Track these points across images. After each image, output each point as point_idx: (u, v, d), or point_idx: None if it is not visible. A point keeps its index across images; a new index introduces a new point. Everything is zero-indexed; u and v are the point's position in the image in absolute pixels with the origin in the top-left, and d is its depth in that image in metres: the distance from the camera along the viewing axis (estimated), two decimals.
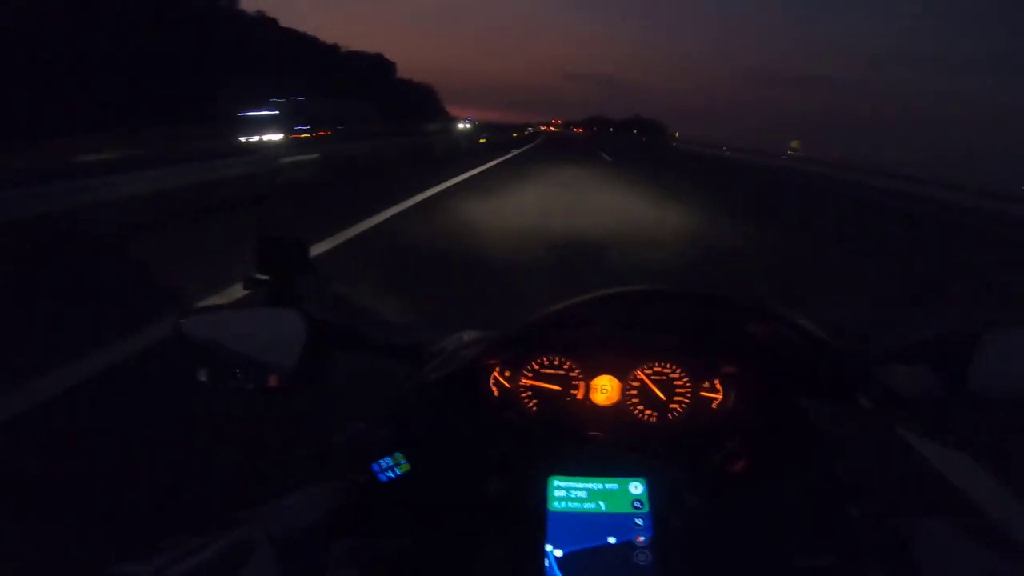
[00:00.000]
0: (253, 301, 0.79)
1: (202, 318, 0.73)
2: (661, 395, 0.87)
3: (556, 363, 0.86)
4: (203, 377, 0.73)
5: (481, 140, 25.36)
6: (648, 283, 0.77)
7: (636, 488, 0.72)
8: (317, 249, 4.74)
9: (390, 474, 0.71)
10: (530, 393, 0.86)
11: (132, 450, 1.82)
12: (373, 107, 36.53)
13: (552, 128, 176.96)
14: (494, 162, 16.07)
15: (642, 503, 0.71)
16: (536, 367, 0.85)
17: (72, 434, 1.95)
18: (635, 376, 0.87)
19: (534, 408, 0.86)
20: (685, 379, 0.88)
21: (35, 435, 1.93)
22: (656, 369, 0.87)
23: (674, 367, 0.87)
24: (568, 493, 0.71)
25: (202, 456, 1.75)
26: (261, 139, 14.54)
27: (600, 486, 0.72)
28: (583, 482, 0.72)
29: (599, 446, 0.83)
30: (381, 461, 0.71)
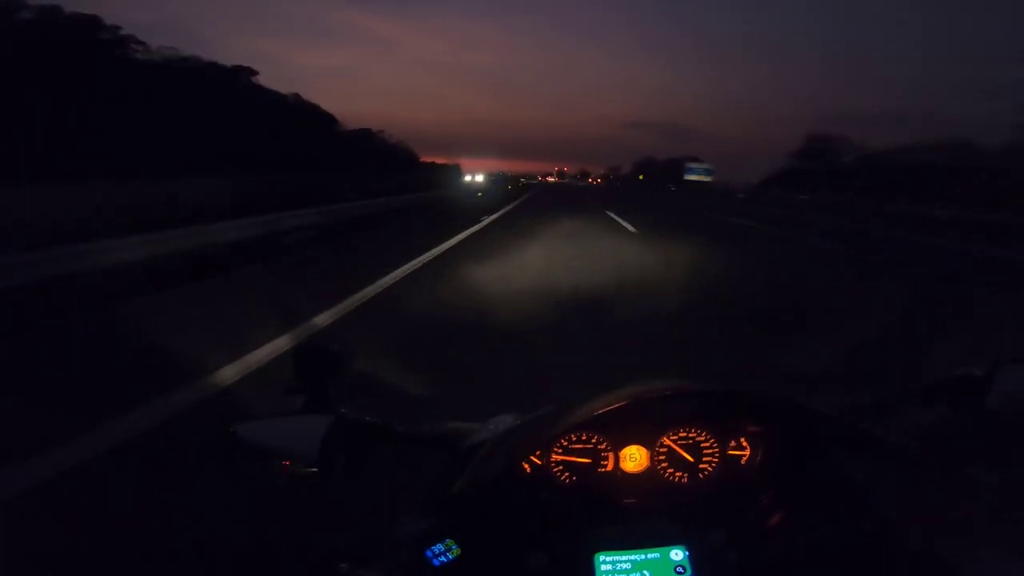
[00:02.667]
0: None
1: (252, 425, 0.79)
2: (689, 457, 0.90)
3: (584, 438, 0.88)
4: (249, 475, 0.79)
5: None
6: (670, 380, 0.83)
7: (677, 555, 0.75)
8: None
9: (443, 559, 0.73)
10: (561, 467, 0.88)
11: (191, 541, 1.86)
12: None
13: (550, 179, 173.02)
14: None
15: (684, 568, 0.74)
16: (565, 443, 0.88)
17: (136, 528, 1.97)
18: (662, 442, 0.90)
19: (567, 482, 0.88)
20: (711, 440, 0.90)
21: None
22: (682, 434, 0.90)
23: (699, 430, 0.90)
24: (614, 567, 0.74)
25: (253, 550, 1.79)
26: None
27: (643, 556, 0.75)
28: (626, 555, 0.75)
29: (636, 517, 0.85)
30: (433, 547, 0.73)
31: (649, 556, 0.75)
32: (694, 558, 0.75)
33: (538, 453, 0.88)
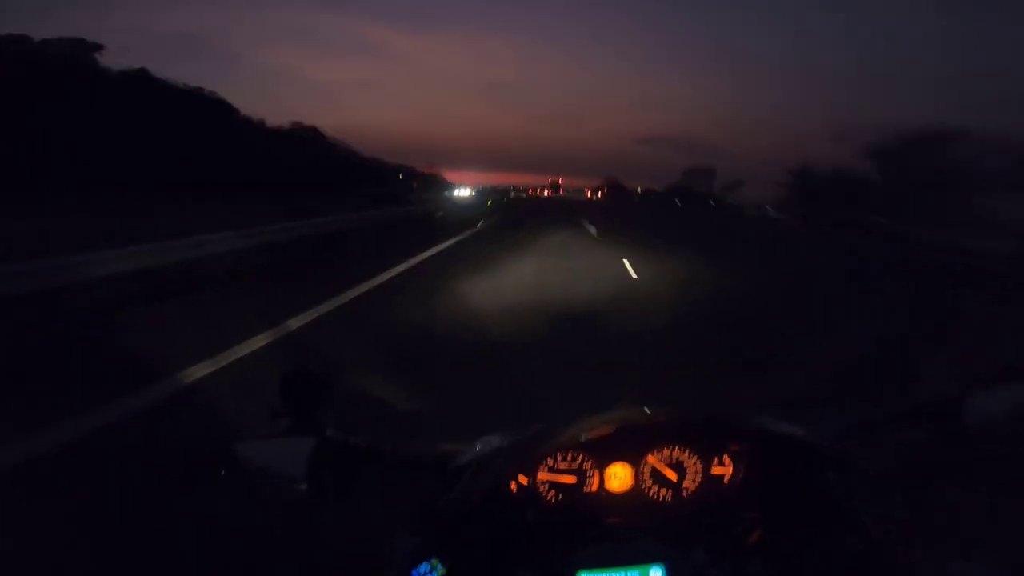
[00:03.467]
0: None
1: (248, 444, 0.81)
2: (673, 476, 0.91)
3: (569, 457, 0.89)
4: (245, 492, 0.82)
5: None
6: (651, 407, 0.88)
7: (656, 574, 0.76)
8: None
9: None
10: (547, 486, 0.89)
11: (180, 560, 1.85)
12: None
13: (547, 192, 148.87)
14: None
15: None
16: (550, 462, 0.89)
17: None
18: (646, 461, 0.91)
19: (553, 501, 0.89)
20: (695, 459, 0.91)
21: None
22: (665, 453, 0.91)
23: (682, 449, 0.91)
24: None
25: (243, 568, 1.78)
26: None
27: (623, 574, 0.76)
28: (607, 573, 0.76)
29: (618, 534, 0.86)
30: (420, 567, 0.74)
31: (629, 574, 0.76)
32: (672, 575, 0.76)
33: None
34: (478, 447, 0.90)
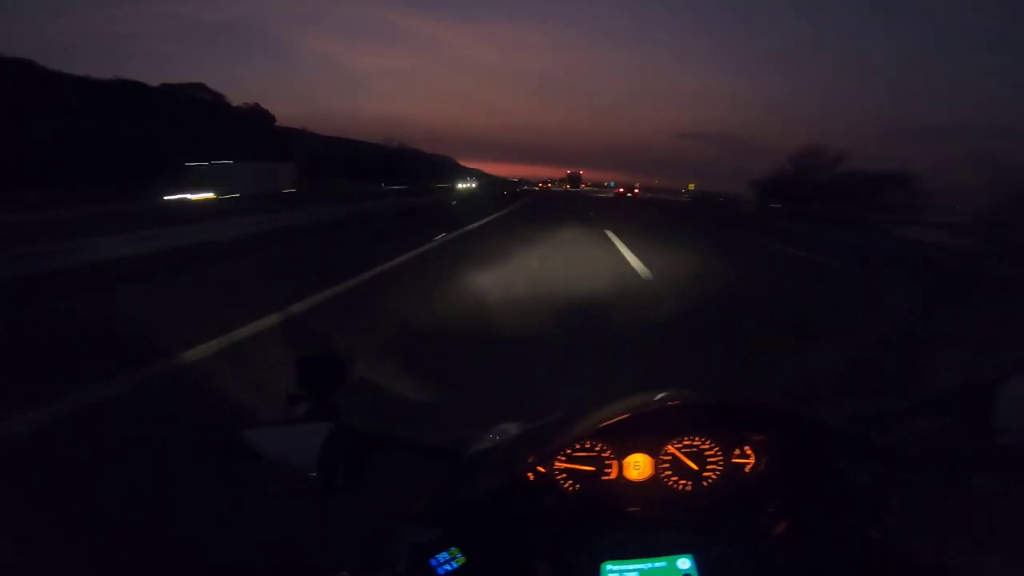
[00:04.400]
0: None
1: (255, 432, 0.78)
2: (694, 465, 0.90)
3: (587, 446, 0.88)
4: (252, 483, 0.80)
5: None
6: (672, 392, 0.84)
7: (684, 564, 0.75)
8: None
9: (447, 567, 0.73)
10: (565, 476, 0.88)
11: (188, 550, 1.87)
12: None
13: (550, 186, 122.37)
14: None
15: None
16: (569, 451, 0.88)
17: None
18: (666, 451, 0.90)
19: (571, 490, 0.88)
20: (715, 448, 0.90)
21: None
22: (686, 442, 0.90)
23: (704, 438, 0.90)
24: (621, 575, 0.74)
25: (256, 561, 1.78)
26: None
27: (650, 565, 0.75)
28: (633, 564, 0.75)
29: (643, 525, 0.84)
30: (438, 556, 0.73)
31: (656, 565, 0.75)
32: (701, 566, 0.75)
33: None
34: (494, 435, 0.90)
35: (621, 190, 74.02)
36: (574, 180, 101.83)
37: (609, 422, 0.77)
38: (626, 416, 0.78)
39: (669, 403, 0.83)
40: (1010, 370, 0.76)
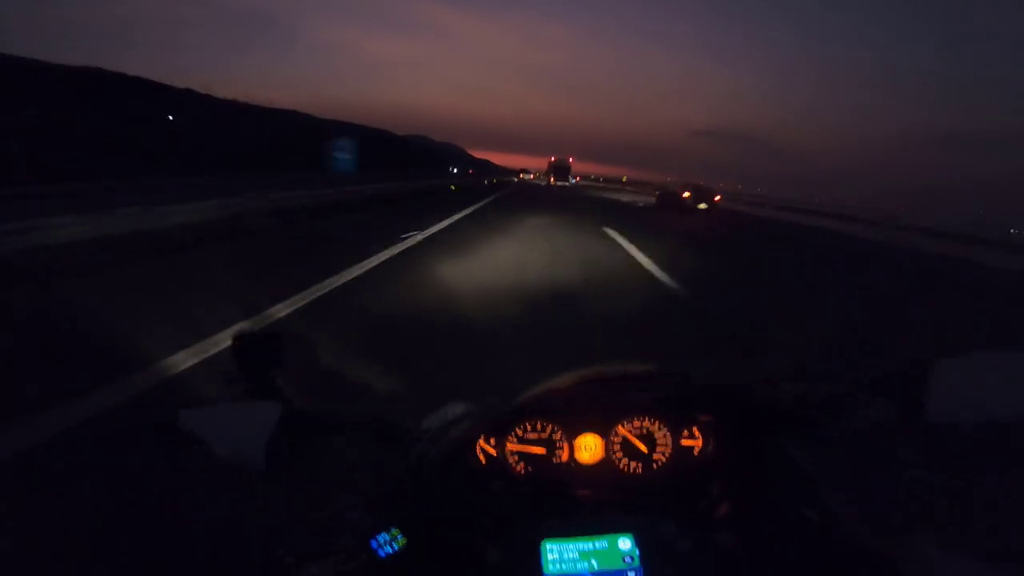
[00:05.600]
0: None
1: (194, 413, 0.76)
2: (644, 448, 0.90)
3: (539, 427, 0.88)
4: (192, 465, 0.77)
5: None
6: (622, 364, 0.84)
7: (625, 544, 0.75)
8: None
9: (388, 549, 0.72)
10: (516, 458, 0.88)
11: (125, 532, 1.81)
12: None
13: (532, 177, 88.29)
14: None
15: (632, 558, 0.74)
16: (520, 433, 0.88)
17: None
18: (617, 432, 0.90)
19: (522, 472, 0.88)
20: (664, 430, 0.91)
21: None
22: (636, 424, 0.90)
23: (653, 420, 0.91)
24: (561, 555, 0.74)
25: (196, 542, 1.74)
26: None
27: (591, 545, 0.75)
28: (574, 543, 0.75)
29: (587, 506, 0.85)
30: (378, 537, 0.72)
31: (597, 545, 0.75)
32: (642, 546, 0.75)
33: (492, 442, 0.88)
34: (442, 416, 0.88)
35: (687, 194, 25.76)
36: (560, 171, 58.71)
37: (558, 390, 0.78)
38: (574, 383, 0.79)
39: (618, 375, 0.85)
40: (941, 353, 0.76)
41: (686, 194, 24.73)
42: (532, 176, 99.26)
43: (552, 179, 56.82)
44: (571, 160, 60.16)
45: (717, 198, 25.94)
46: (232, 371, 0.81)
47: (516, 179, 74.89)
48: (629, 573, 0.73)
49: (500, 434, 0.88)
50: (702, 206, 24.34)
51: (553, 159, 59.14)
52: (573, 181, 64.79)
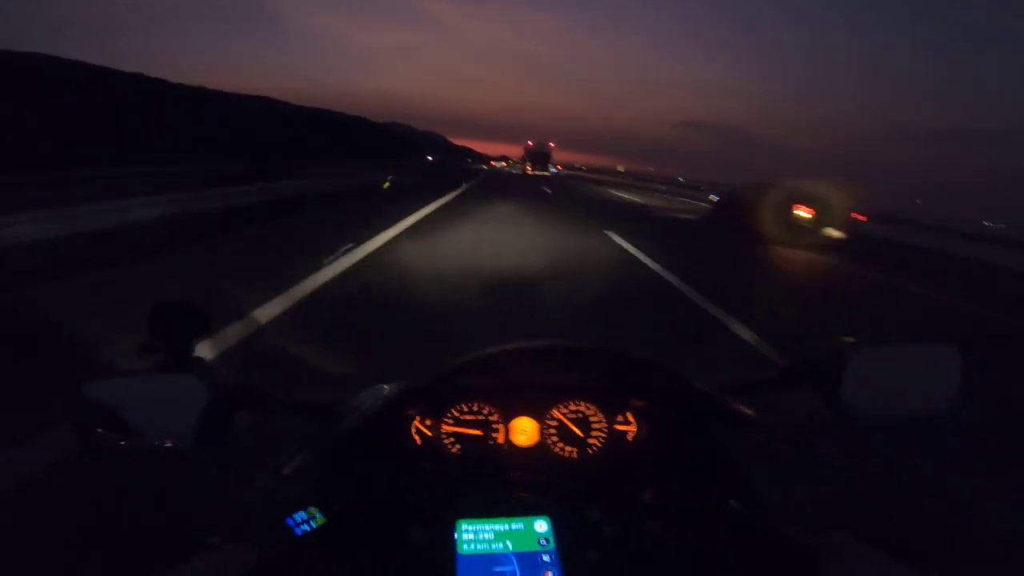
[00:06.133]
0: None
1: (104, 384, 0.72)
2: (579, 432, 0.91)
3: (475, 408, 0.88)
4: (103, 441, 0.73)
5: None
6: (549, 339, 0.82)
7: (541, 526, 0.75)
8: None
9: (305, 527, 0.71)
10: (452, 439, 0.88)
11: (35, 514, 1.76)
12: None
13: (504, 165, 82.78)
14: None
15: (548, 540, 0.74)
16: (456, 413, 0.88)
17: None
18: (552, 416, 0.91)
19: (457, 453, 0.88)
20: (600, 415, 0.91)
21: None
22: (572, 407, 0.91)
23: (588, 404, 0.91)
24: (476, 535, 0.74)
25: (112, 521, 1.69)
26: None
27: (506, 527, 0.75)
28: (490, 523, 0.75)
29: (518, 488, 0.85)
30: (295, 515, 0.71)
31: (513, 526, 0.75)
32: (558, 530, 0.75)
33: (428, 423, 0.88)
34: (371, 394, 0.88)
35: (803, 211, 12.27)
36: (538, 158, 50.48)
37: (483, 356, 0.77)
38: (497, 352, 0.78)
39: (542, 346, 0.84)
40: (858, 343, 0.78)
41: (802, 211, 12.69)
42: (505, 164, 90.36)
43: (529, 167, 49.48)
44: (551, 146, 51.82)
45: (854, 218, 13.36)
46: (148, 341, 0.76)
47: (486, 167, 67.21)
48: (544, 556, 0.72)
49: (436, 415, 0.88)
50: (833, 234, 12.45)
51: (530, 144, 51.89)
52: (554, 170, 56.71)
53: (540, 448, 0.90)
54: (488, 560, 0.71)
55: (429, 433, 0.88)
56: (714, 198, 17.40)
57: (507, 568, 0.70)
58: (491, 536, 0.74)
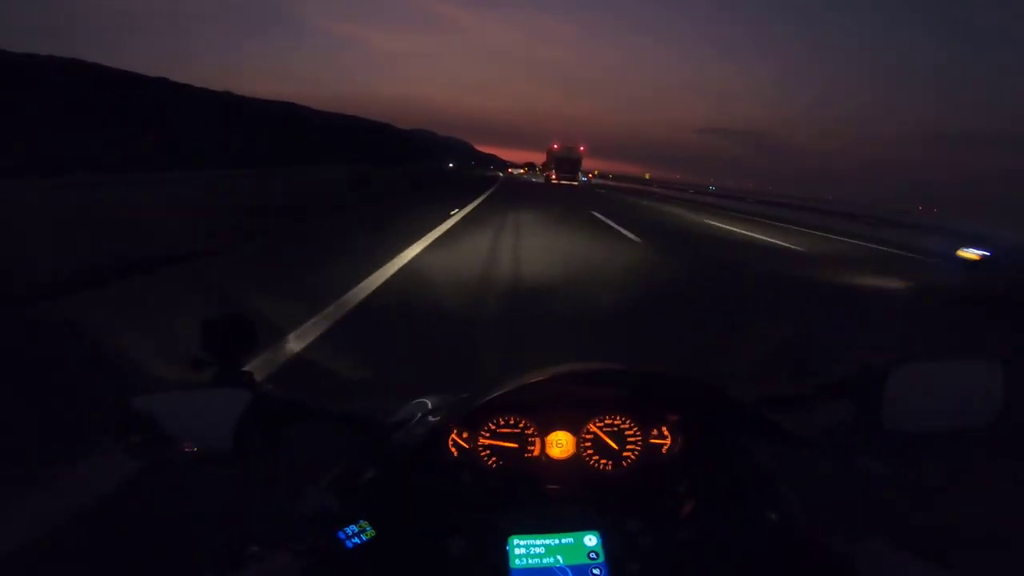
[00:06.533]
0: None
1: (152, 398, 0.74)
2: (614, 445, 0.92)
3: (512, 422, 0.89)
4: (149, 454, 0.75)
5: None
6: (594, 362, 0.82)
7: (591, 540, 0.76)
8: None
9: (356, 540, 0.71)
10: (488, 452, 0.89)
11: (80, 526, 1.76)
12: None
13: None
14: None
15: (597, 554, 0.75)
16: (492, 427, 0.89)
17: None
18: (588, 429, 0.92)
19: (493, 466, 0.89)
20: (635, 428, 0.92)
21: None
22: (607, 421, 0.92)
23: (623, 418, 0.92)
24: (528, 550, 0.75)
25: (158, 532, 1.72)
26: None
27: (557, 541, 0.76)
28: (541, 539, 0.76)
29: (555, 502, 0.86)
30: (346, 528, 0.72)
31: (563, 541, 0.76)
32: (607, 543, 0.76)
33: (465, 436, 0.89)
34: (414, 407, 0.89)
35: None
36: (566, 164, 39.76)
37: (529, 383, 0.77)
38: (546, 379, 0.78)
39: (590, 372, 0.84)
40: (898, 359, 0.78)
41: None
42: (524, 171, 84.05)
43: (554, 175, 39.22)
44: (581, 150, 39.96)
45: None
46: (200, 356, 0.78)
47: (502, 174, 62.70)
48: (594, 570, 0.74)
49: (473, 428, 0.89)
50: None
51: (555, 147, 39.69)
52: (585, 179, 46.43)
53: (575, 461, 0.91)
54: (539, 574, 0.73)
55: (466, 446, 0.89)
56: (973, 254, 10.42)
57: None
58: (542, 551, 0.75)
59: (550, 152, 41.19)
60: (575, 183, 38.43)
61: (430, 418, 0.83)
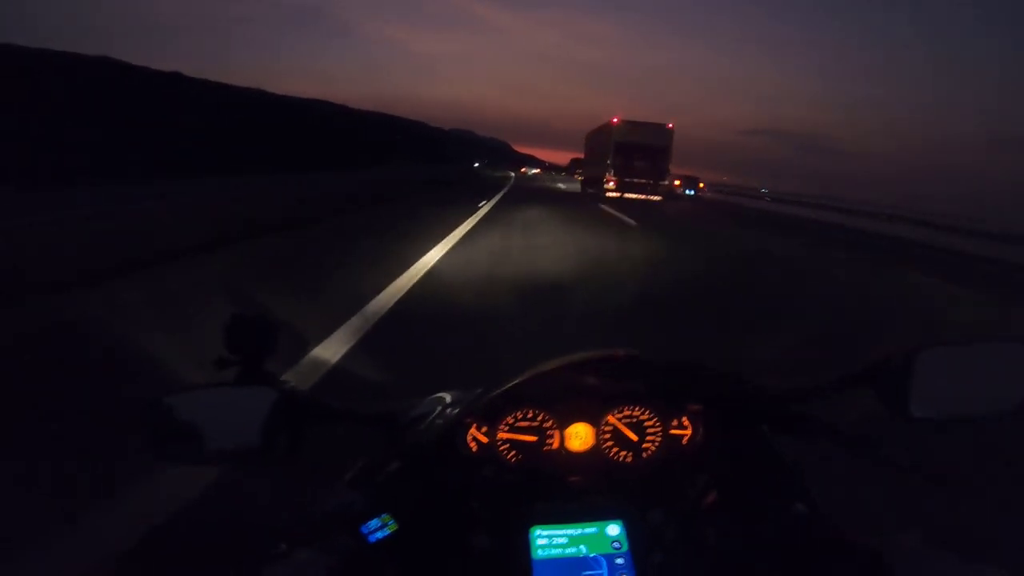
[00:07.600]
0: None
1: (178, 398, 0.75)
2: (633, 436, 0.91)
3: (530, 415, 0.89)
4: (175, 452, 0.76)
5: None
6: (612, 348, 0.83)
7: (614, 530, 0.77)
8: None
9: (379, 535, 0.72)
10: (507, 446, 0.89)
11: (105, 522, 1.78)
12: None
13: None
14: None
15: (621, 543, 0.75)
16: (511, 421, 0.89)
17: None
18: (607, 421, 0.91)
19: (512, 460, 0.89)
20: (655, 419, 0.92)
21: None
22: (626, 412, 0.92)
23: (643, 409, 0.92)
24: (550, 540, 0.75)
25: (183, 530, 1.71)
26: None
27: (580, 531, 0.76)
28: (563, 528, 0.76)
29: (577, 493, 0.86)
30: (369, 523, 0.73)
31: (586, 531, 0.76)
32: (630, 533, 0.76)
33: (484, 430, 0.89)
34: (432, 403, 0.90)
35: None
36: (639, 156, 20.62)
37: (546, 371, 0.78)
38: (563, 366, 0.78)
39: (606, 357, 0.84)
40: (922, 345, 0.76)
41: None
42: (539, 171, 73.34)
43: (612, 180, 22.67)
44: (670, 126, 23.19)
45: None
46: (225, 355, 0.79)
47: (514, 174, 53.80)
48: (618, 559, 0.74)
49: (491, 422, 0.89)
50: None
51: (615, 122, 22.81)
52: (690, 192, 33.54)
53: (594, 453, 0.91)
54: (562, 564, 0.73)
55: (485, 440, 0.89)
56: None
57: (596, 572, 0.73)
58: (565, 541, 0.76)
59: (604, 133, 23.68)
60: (656, 198, 22.23)
61: (448, 413, 0.84)
